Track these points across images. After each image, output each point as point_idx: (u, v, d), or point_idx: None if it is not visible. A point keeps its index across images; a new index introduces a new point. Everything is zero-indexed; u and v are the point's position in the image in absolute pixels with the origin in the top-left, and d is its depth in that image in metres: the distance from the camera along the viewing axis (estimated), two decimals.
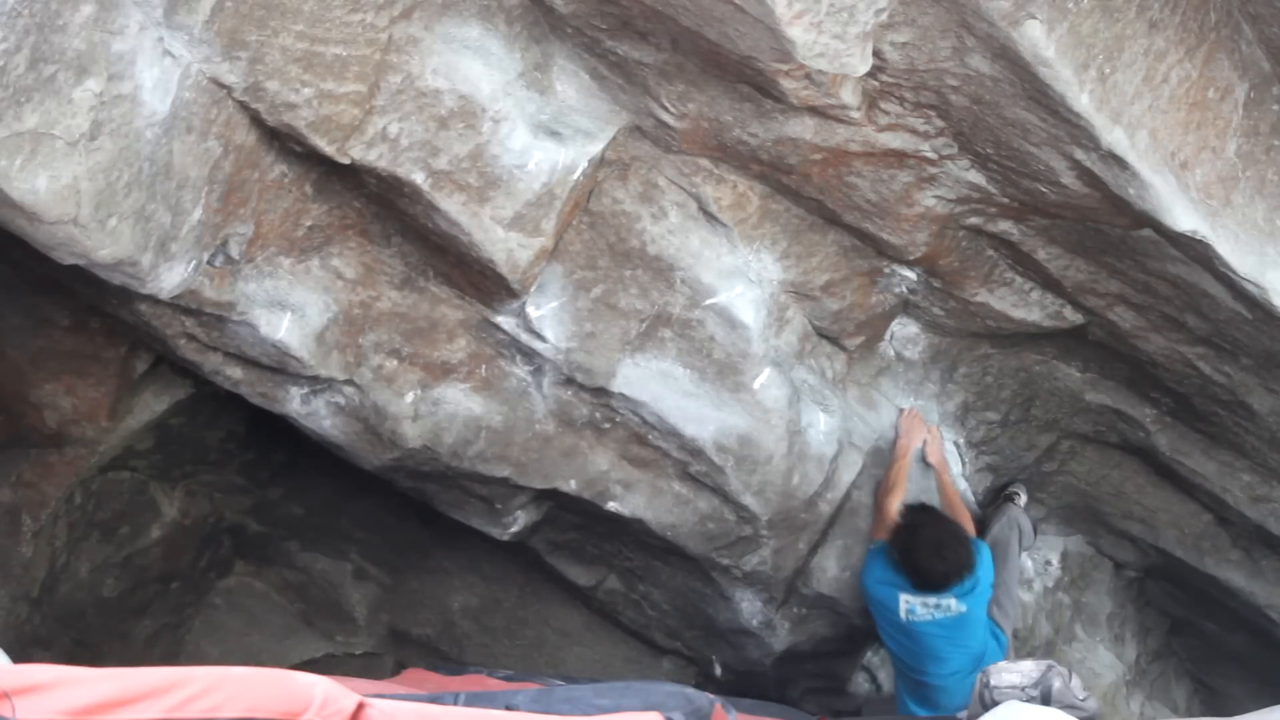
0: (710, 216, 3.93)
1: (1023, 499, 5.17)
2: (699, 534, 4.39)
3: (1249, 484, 4.81)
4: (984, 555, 4.33)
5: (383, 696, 1.75)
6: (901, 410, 4.71)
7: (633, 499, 4.29)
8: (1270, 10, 3.14)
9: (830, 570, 4.67)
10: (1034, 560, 5.49)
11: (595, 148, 3.58)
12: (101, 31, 2.60)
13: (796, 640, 4.87)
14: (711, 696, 2.41)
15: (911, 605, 4.23)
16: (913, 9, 3.01)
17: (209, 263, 3.33)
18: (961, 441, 5.02)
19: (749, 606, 4.77)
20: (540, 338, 3.87)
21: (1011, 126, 3.32)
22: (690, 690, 2.36)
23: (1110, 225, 3.63)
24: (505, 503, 4.47)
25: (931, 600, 4.20)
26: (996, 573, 4.61)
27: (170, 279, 3.12)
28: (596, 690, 2.31)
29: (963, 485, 5.13)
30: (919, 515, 4.28)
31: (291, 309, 3.59)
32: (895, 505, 4.45)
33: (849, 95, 3.33)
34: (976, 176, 3.66)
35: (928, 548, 4.13)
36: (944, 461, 4.73)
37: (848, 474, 4.52)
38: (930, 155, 3.59)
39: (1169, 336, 4.15)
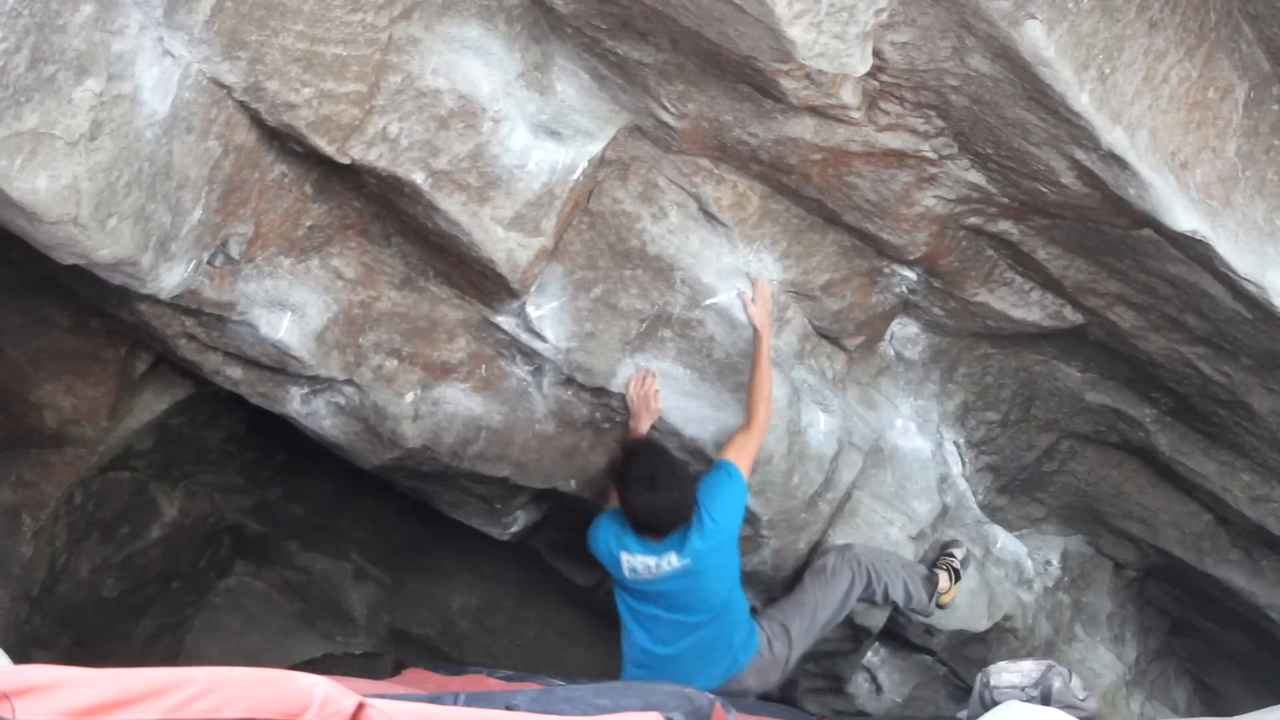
0: (710, 216, 3.93)
1: (958, 555, 4.77)
2: None
3: (1249, 484, 4.82)
4: (716, 491, 3.77)
5: (383, 696, 1.75)
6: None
7: None
8: (1270, 10, 3.14)
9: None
10: (1034, 560, 5.49)
11: (595, 148, 3.58)
12: (101, 31, 2.60)
13: None
14: (711, 696, 2.42)
15: (633, 564, 3.81)
16: (913, 9, 3.01)
17: (209, 263, 3.33)
18: (961, 441, 5.02)
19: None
20: (540, 338, 3.87)
21: (1011, 126, 3.32)
22: (690, 690, 2.36)
23: (1110, 225, 3.63)
24: (505, 503, 4.47)
25: (651, 560, 3.78)
26: (800, 590, 4.22)
27: (170, 279, 3.12)
28: (596, 690, 2.31)
29: (963, 486, 5.13)
30: (637, 447, 3.83)
31: (291, 309, 3.59)
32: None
33: (849, 95, 3.33)
34: (976, 176, 3.66)
35: (641, 484, 3.68)
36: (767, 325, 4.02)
37: (848, 474, 4.51)
38: (930, 155, 3.59)
39: (1169, 336, 4.15)
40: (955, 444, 5.01)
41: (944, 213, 3.85)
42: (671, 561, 3.77)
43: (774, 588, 4.66)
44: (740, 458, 3.86)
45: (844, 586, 4.27)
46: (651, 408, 3.97)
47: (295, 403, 3.91)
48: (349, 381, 3.83)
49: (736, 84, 3.36)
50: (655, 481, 3.68)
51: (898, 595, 4.44)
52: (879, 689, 5.23)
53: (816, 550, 4.59)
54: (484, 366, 3.99)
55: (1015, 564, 5.36)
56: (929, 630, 5.04)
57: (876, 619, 4.82)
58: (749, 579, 4.61)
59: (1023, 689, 2.72)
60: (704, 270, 3.96)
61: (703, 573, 3.79)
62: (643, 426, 3.98)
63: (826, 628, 4.31)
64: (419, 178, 3.35)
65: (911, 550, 4.72)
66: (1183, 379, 4.36)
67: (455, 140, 3.36)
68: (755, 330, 3.97)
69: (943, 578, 4.66)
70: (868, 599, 4.43)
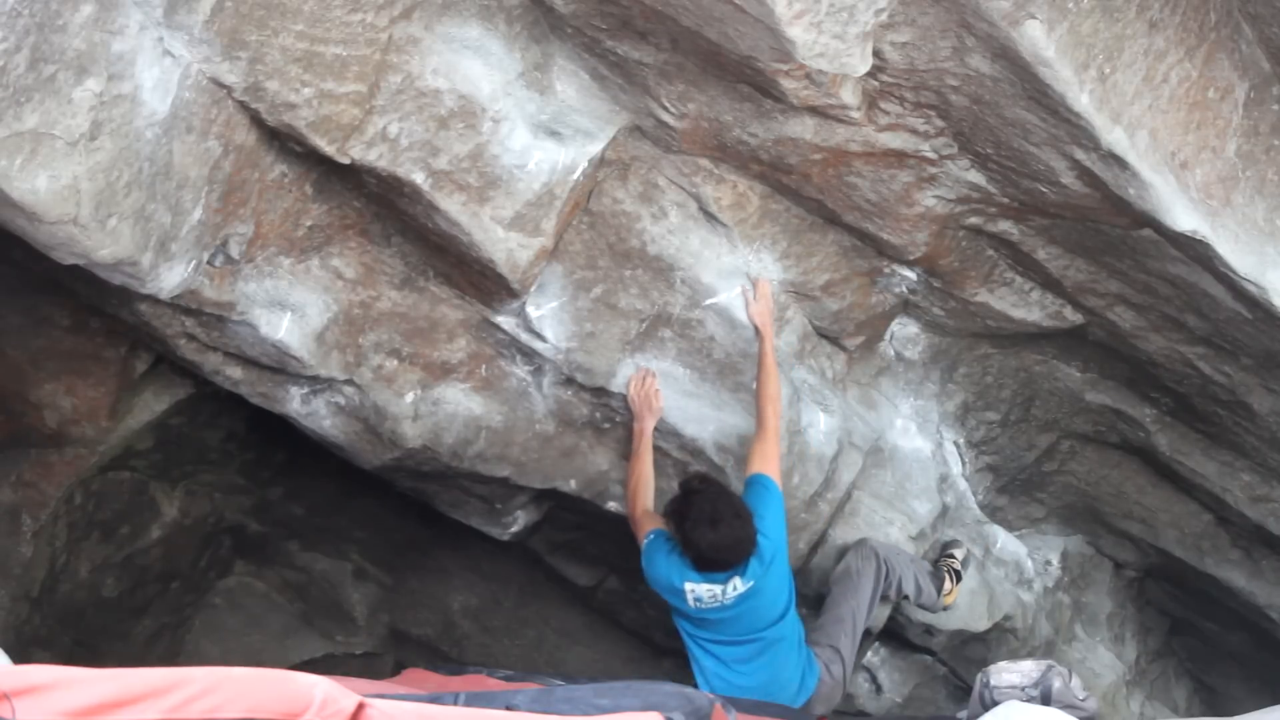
0: (710, 216, 3.93)
1: (959, 555, 4.81)
2: None
3: (1249, 484, 4.82)
4: (763, 508, 3.75)
5: (383, 696, 1.75)
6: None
7: None
8: (1270, 10, 3.14)
9: (830, 570, 4.67)
10: (1034, 560, 5.49)
11: (595, 148, 3.58)
12: (101, 31, 2.60)
13: None
14: (711, 696, 2.41)
15: (698, 594, 3.76)
16: (913, 9, 3.01)
17: (209, 263, 3.33)
18: (961, 441, 5.02)
19: None
20: (540, 338, 3.87)
21: (1011, 126, 3.32)
22: (690, 690, 2.35)
23: (1110, 225, 3.63)
24: (505, 503, 4.47)
25: (716, 588, 3.74)
26: (834, 605, 4.24)
27: (170, 279, 3.12)
28: (596, 690, 2.31)
29: (963, 486, 5.13)
30: (695, 485, 3.77)
31: (291, 309, 3.59)
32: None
33: (849, 95, 3.33)
34: (976, 176, 3.66)
35: (704, 524, 3.62)
36: (769, 324, 4.02)
37: (848, 474, 4.51)
38: (930, 155, 3.59)
39: (1169, 336, 4.15)
40: (955, 444, 5.01)
41: (944, 213, 3.85)
42: (736, 587, 3.75)
43: None
44: (767, 467, 3.86)
45: (871, 585, 4.32)
46: (654, 407, 3.98)
47: (295, 403, 3.91)
48: (349, 381, 3.83)
49: (736, 84, 3.36)
50: (718, 521, 3.63)
51: (909, 589, 4.48)
52: (879, 689, 5.23)
53: (817, 550, 4.59)
54: (484, 366, 3.99)
55: (1015, 564, 5.36)
56: (929, 630, 5.04)
57: (877, 619, 4.82)
58: None
59: (1023, 689, 2.72)
60: (704, 270, 3.96)
61: (765, 591, 3.79)
62: (647, 426, 3.98)
63: (864, 627, 4.36)
64: (419, 178, 3.35)
65: (911, 550, 4.72)
66: (1183, 379, 4.36)
67: (455, 140, 3.36)
68: (757, 330, 3.97)
69: (945, 579, 4.69)
70: (884, 593, 4.45)
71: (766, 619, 3.85)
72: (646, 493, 4.00)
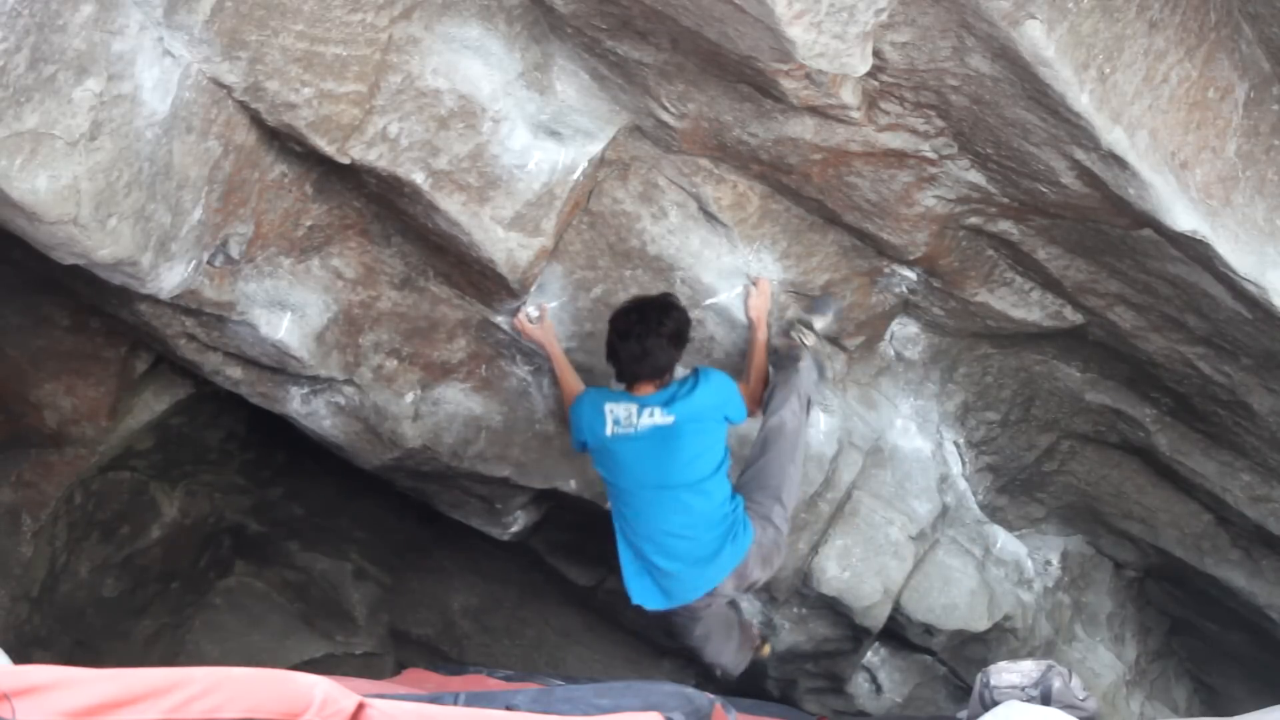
0: (710, 216, 3.93)
1: (810, 337, 4.23)
2: None
3: (1249, 484, 4.82)
4: (710, 378, 3.76)
5: (383, 696, 1.75)
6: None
7: None
8: (1270, 10, 3.14)
9: (830, 570, 4.67)
10: (1034, 560, 5.49)
11: (595, 148, 3.58)
12: (101, 31, 2.60)
13: (797, 640, 4.88)
14: (711, 696, 2.41)
15: (616, 414, 3.69)
16: (913, 9, 3.01)
17: (209, 263, 3.33)
18: (961, 441, 5.02)
19: (749, 606, 4.78)
20: None
21: (1011, 126, 3.32)
22: (690, 690, 2.36)
23: (1110, 225, 3.63)
24: (505, 503, 4.47)
25: (633, 406, 3.69)
26: (763, 471, 3.95)
27: (170, 279, 3.12)
28: (596, 690, 2.31)
29: (962, 486, 5.13)
30: (655, 295, 3.79)
31: (291, 309, 3.59)
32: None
33: (849, 95, 3.33)
34: (976, 176, 3.66)
35: (636, 320, 3.64)
36: (763, 317, 4.03)
37: (848, 474, 4.52)
38: (930, 155, 3.59)
39: (1169, 336, 4.15)
40: (955, 444, 5.01)
41: (944, 213, 3.85)
42: (654, 415, 3.67)
43: (774, 587, 4.66)
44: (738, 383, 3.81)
45: (804, 437, 4.05)
46: (548, 328, 3.87)
47: (295, 403, 3.92)
48: (349, 381, 3.83)
49: (736, 84, 3.36)
50: (648, 324, 3.62)
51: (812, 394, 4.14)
52: (879, 689, 5.23)
53: (818, 549, 4.59)
54: (484, 366, 3.99)
55: (1015, 564, 5.37)
56: (929, 630, 5.05)
57: (876, 618, 4.82)
58: None
59: (1023, 689, 2.73)
60: (704, 270, 3.96)
61: (683, 435, 3.68)
62: (554, 344, 3.86)
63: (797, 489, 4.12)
64: (419, 178, 3.35)
65: (911, 550, 4.72)
66: (1183, 379, 4.36)
67: (455, 140, 3.36)
68: (751, 323, 3.97)
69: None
70: None
71: (685, 467, 3.70)
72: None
